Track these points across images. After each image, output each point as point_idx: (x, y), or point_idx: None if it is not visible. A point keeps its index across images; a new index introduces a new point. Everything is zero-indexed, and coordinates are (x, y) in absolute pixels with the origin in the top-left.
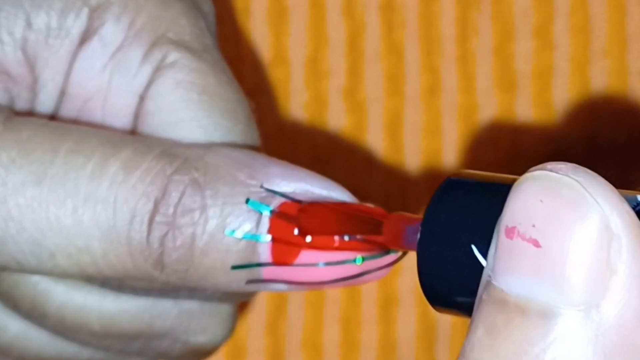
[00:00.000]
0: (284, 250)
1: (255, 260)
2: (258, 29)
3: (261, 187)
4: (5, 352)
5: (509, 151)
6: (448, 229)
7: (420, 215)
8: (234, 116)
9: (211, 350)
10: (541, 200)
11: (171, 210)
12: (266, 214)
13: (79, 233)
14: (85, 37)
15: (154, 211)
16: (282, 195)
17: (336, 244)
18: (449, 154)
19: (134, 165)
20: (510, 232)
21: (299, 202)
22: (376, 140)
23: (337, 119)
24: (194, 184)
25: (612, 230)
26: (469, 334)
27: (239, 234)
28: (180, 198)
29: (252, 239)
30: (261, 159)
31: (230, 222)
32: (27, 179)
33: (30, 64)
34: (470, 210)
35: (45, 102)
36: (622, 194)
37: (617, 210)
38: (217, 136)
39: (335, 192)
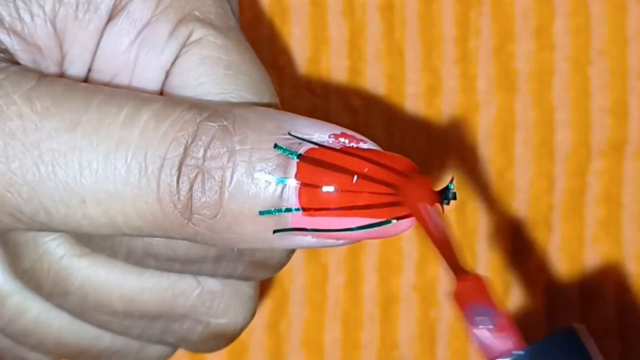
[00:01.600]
0: (313, 196)
1: (283, 206)
2: (258, 29)
3: (289, 134)
4: (24, 337)
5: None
6: None
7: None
8: (258, 91)
9: (232, 334)
10: None
11: (200, 154)
12: (294, 159)
13: (110, 178)
14: (113, 14)
15: (184, 155)
16: (310, 142)
17: (366, 187)
18: (449, 154)
19: (166, 114)
20: None
21: (327, 148)
22: (376, 140)
23: (337, 119)
24: (224, 130)
25: None
26: None
27: (267, 177)
28: (209, 142)
29: (279, 182)
30: (287, 113)
31: (259, 167)
32: (61, 126)
33: (60, 38)
34: None
35: (72, 78)
36: None
37: None
38: None
39: (366, 143)
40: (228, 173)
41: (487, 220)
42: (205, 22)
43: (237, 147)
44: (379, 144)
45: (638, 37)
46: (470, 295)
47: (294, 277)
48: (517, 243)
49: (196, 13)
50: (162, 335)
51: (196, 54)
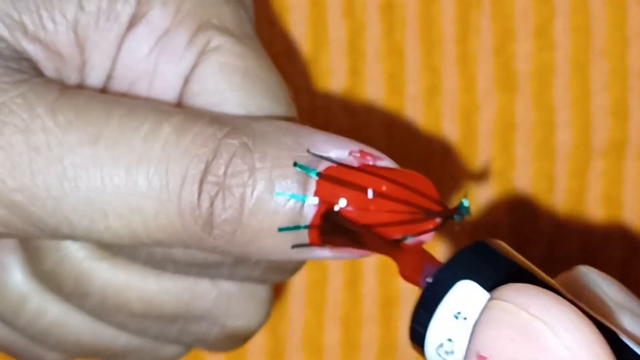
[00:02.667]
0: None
1: (302, 223)
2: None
3: (308, 152)
4: (44, 338)
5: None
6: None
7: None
8: (275, 98)
9: (247, 336)
10: (512, 339)
11: (222, 171)
12: (313, 176)
13: (132, 192)
14: (133, 22)
15: (205, 172)
16: (328, 159)
17: (384, 206)
18: (449, 154)
19: (186, 128)
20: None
21: (345, 166)
22: (376, 141)
23: (337, 120)
24: (244, 147)
25: None
26: None
27: (286, 195)
28: (230, 160)
29: (299, 200)
30: (306, 128)
31: (278, 184)
32: (83, 139)
33: (81, 46)
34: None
35: (92, 85)
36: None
37: (586, 352)
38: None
39: (383, 161)
40: (248, 190)
41: (487, 220)
42: (222, 29)
43: (258, 165)
44: (379, 144)
45: (638, 37)
46: (417, 264)
47: (294, 279)
48: (517, 243)
49: (214, 21)
50: (178, 336)
51: (214, 61)
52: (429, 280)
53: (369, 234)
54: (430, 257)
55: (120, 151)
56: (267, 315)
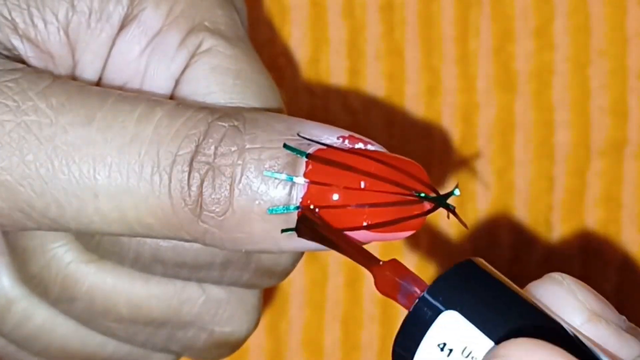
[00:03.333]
0: (320, 195)
1: (291, 204)
2: (258, 29)
3: (298, 135)
4: (29, 343)
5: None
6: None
7: (415, 273)
8: (266, 100)
9: (235, 343)
10: None
11: (211, 151)
12: (303, 158)
13: (123, 172)
14: (125, 23)
15: (196, 152)
16: (318, 142)
17: (373, 186)
18: (449, 154)
19: (178, 113)
20: None
21: (335, 148)
22: (376, 140)
23: (337, 119)
24: (234, 129)
25: None
26: None
27: (276, 175)
28: (220, 140)
29: (288, 180)
30: (297, 117)
31: (268, 165)
32: (76, 120)
33: (72, 46)
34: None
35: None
36: None
37: None
38: None
39: (373, 146)
40: (238, 170)
41: (487, 219)
42: (214, 32)
43: (247, 146)
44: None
45: (638, 37)
46: (393, 279)
47: (294, 278)
48: (517, 243)
49: (206, 23)
50: (166, 343)
51: (206, 63)
52: (413, 307)
53: (345, 242)
54: (407, 273)
55: (113, 132)
56: (256, 322)
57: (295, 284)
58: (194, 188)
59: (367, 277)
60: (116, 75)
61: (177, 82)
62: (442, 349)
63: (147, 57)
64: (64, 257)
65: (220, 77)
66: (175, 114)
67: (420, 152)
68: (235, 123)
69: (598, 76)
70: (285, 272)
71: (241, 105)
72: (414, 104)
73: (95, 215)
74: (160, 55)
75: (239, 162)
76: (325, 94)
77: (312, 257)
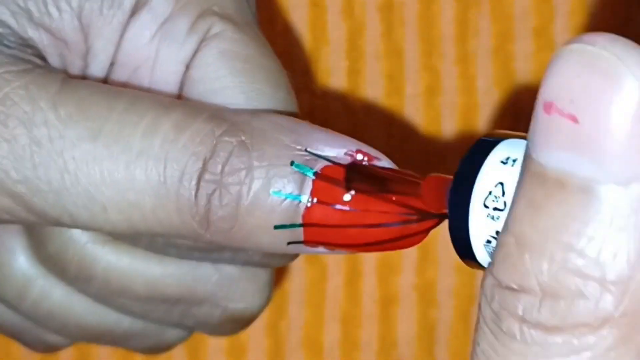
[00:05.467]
0: (326, 212)
1: (297, 221)
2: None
3: (305, 150)
4: (47, 321)
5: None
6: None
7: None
8: (275, 84)
9: (248, 319)
10: (578, 76)
11: (219, 169)
12: (310, 176)
13: (131, 188)
14: (136, 8)
15: (203, 170)
16: (326, 159)
17: (377, 206)
18: (449, 154)
19: (185, 125)
20: (548, 107)
21: (342, 165)
22: (376, 141)
23: (337, 120)
24: (242, 145)
25: None
26: (511, 208)
27: (283, 195)
28: (228, 158)
29: (295, 199)
30: (305, 125)
31: (275, 183)
32: (83, 134)
33: (85, 33)
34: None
35: (96, 71)
36: None
37: None
38: (259, 103)
39: (381, 161)
40: (245, 189)
41: None
42: (223, 16)
43: (255, 164)
44: (378, 144)
45: (638, 38)
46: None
47: (293, 277)
48: None
49: (215, 8)
50: (181, 319)
51: (215, 47)
52: (475, 142)
53: (392, 177)
54: (448, 180)
55: (120, 147)
56: (268, 298)
57: (294, 284)
58: (201, 205)
59: (367, 276)
60: (128, 60)
61: (187, 67)
62: (504, 163)
63: (158, 43)
64: (80, 238)
65: (229, 61)
66: (182, 126)
67: (420, 152)
68: (243, 137)
69: None
70: (297, 254)
71: (249, 89)
72: (414, 104)
73: (105, 224)
74: (170, 40)
75: (247, 180)
76: (325, 94)
77: (312, 257)
